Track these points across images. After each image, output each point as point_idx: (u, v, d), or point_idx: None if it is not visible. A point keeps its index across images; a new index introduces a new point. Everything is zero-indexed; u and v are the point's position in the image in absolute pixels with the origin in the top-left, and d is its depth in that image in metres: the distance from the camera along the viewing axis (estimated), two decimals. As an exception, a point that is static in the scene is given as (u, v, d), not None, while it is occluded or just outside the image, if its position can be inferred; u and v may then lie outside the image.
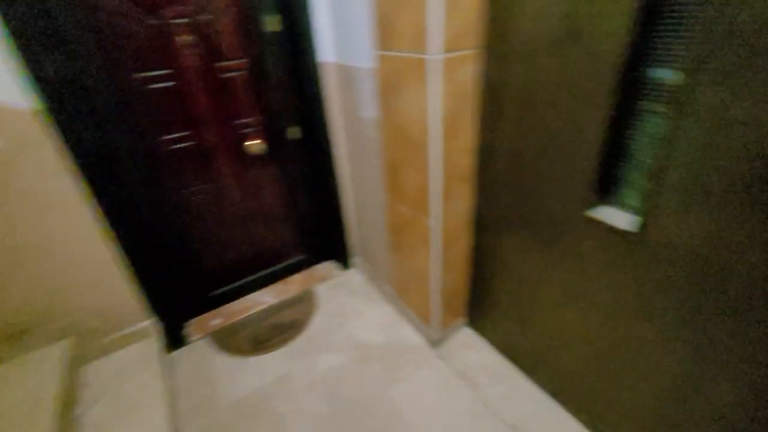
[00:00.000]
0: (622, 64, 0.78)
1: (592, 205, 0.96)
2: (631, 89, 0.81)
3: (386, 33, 1.13)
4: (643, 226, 0.85)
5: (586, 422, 1.22)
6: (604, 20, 0.77)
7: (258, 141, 1.59)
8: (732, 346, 0.78)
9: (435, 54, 0.99)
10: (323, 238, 2.00)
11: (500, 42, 1.01)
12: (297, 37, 1.44)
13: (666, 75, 0.76)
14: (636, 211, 0.89)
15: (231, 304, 1.87)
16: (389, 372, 1.48)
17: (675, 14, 0.71)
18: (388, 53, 1.16)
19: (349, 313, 1.78)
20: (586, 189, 0.94)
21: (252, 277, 1.90)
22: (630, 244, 0.89)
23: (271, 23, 1.42)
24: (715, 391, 0.84)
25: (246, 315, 1.80)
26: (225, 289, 1.84)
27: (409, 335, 1.64)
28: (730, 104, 0.66)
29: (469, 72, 1.08)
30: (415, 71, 1.07)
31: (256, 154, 1.62)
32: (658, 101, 0.79)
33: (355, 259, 2.04)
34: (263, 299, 1.88)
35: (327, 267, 2.08)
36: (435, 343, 1.55)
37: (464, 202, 1.30)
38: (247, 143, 1.59)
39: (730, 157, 0.68)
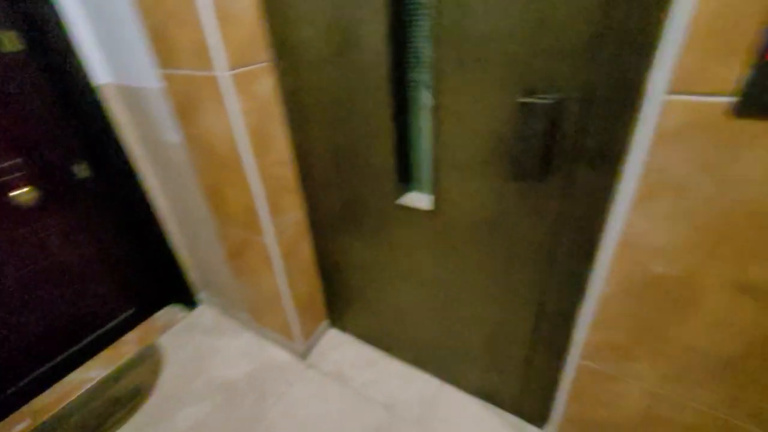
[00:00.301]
0: (389, 69, 0.89)
1: (401, 193, 1.09)
2: (402, 89, 0.95)
3: (165, 50, 1.03)
4: (436, 204, 1.01)
5: (441, 376, 1.40)
6: (367, 31, 0.88)
7: (26, 189, 1.26)
8: (519, 286, 1.01)
9: (224, 70, 0.95)
10: (155, 283, 1.75)
11: (289, 54, 1.04)
12: (52, 56, 1.19)
13: (418, 78, 0.91)
14: (431, 192, 1.06)
15: (43, 395, 1.47)
16: (262, 400, 1.41)
17: (416, 32, 0.86)
18: (173, 72, 1.06)
19: (205, 354, 1.61)
20: (393, 180, 1.06)
21: (66, 354, 1.52)
22: (430, 220, 1.05)
23: (7, 41, 1.13)
24: (512, 321, 1.07)
25: (67, 402, 1.44)
26: (29, 379, 1.43)
27: (276, 356, 1.58)
28: (456, 99, 0.83)
29: (267, 85, 1.08)
30: (208, 89, 1.01)
31: (28, 205, 1.29)
32: (417, 99, 0.94)
33: (202, 295, 1.85)
34: (89, 375, 1.54)
35: (168, 312, 1.83)
36: (303, 354, 1.54)
37: (296, 211, 1.31)
38: (12, 194, 1.25)
39: (469, 140, 0.87)
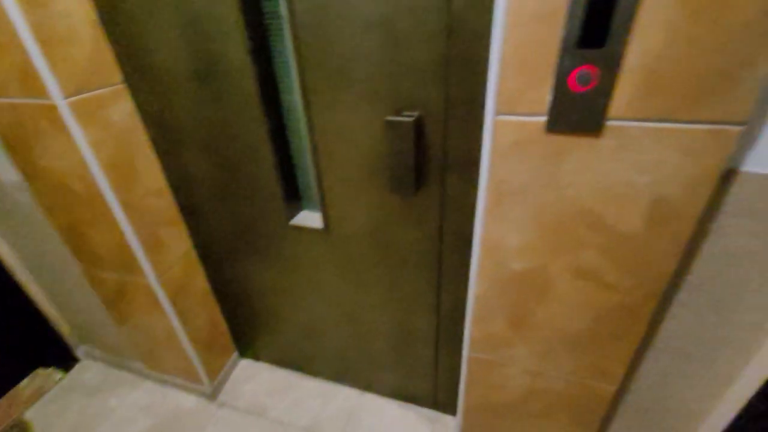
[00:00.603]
0: (257, 89, 0.86)
1: (293, 213, 1.06)
2: (275, 108, 0.92)
3: (-23, 75, 0.85)
4: (326, 221, 1.00)
5: (360, 386, 1.41)
6: (228, 50, 0.83)
7: None
8: (416, 291, 1.05)
9: (61, 97, 0.82)
10: (14, 346, 1.45)
11: (146, 74, 0.93)
12: None
13: (292, 98, 0.90)
14: (320, 210, 1.05)
15: None
16: (166, 458, 1.26)
17: (281, 53, 0.84)
18: (-6, 100, 0.88)
19: (92, 420, 1.39)
20: (281, 201, 1.03)
21: None
22: (323, 238, 1.04)
23: None
24: (416, 324, 1.12)
25: None
26: None
27: (181, 402, 1.43)
28: (330, 117, 0.84)
29: (124, 110, 0.96)
30: (46, 119, 0.87)
31: None
32: (295, 118, 0.93)
33: (81, 350, 1.60)
34: (-75, 480, 1.22)
35: (38, 378, 1.53)
36: (212, 394, 1.42)
37: (181, 243, 1.20)
38: None
39: (348, 157, 0.88)
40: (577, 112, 0.51)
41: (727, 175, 0.53)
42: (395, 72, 0.75)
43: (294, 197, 1.05)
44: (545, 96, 0.52)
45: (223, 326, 1.45)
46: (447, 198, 0.85)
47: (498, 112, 0.56)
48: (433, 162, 0.82)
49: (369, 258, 1.04)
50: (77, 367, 1.59)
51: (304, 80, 0.82)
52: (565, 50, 0.48)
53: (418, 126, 0.78)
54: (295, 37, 0.77)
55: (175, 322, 1.23)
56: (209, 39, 0.83)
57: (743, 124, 0.47)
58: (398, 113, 0.79)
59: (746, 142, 0.50)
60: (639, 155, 0.52)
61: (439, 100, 0.74)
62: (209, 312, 1.36)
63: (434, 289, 1.02)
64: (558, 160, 0.56)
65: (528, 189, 0.60)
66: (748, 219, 0.54)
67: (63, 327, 1.52)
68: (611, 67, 0.48)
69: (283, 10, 0.78)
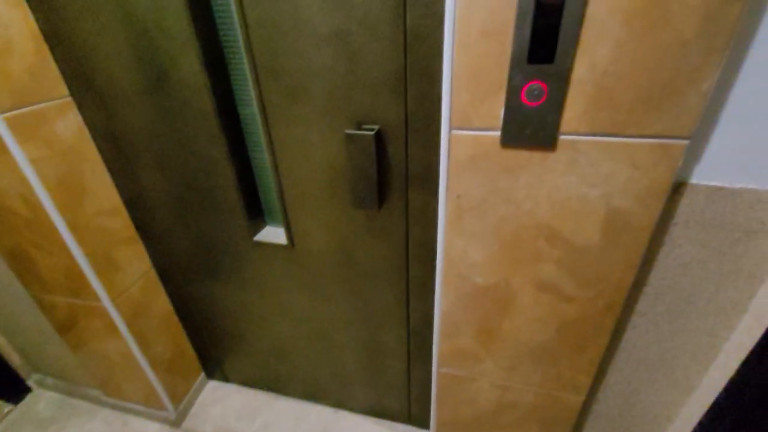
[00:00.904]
0: (213, 104, 0.82)
1: (257, 229, 1.03)
2: (233, 123, 0.88)
3: None
4: (291, 237, 0.97)
5: (333, 404, 1.37)
6: (182, 64, 0.79)
7: None
8: (385, 305, 1.03)
9: (-5, 113, 0.77)
10: (-44, 379, 1.34)
11: (95, 88, 0.88)
12: None
13: (250, 112, 0.87)
14: (284, 226, 1.02)
15: None
16: (125, 492, 1.18)
17: (237, 66, 0.81)
18: None
19: (43, 455, 1.29)
20: (243, 217, 0.99)
21: None
22: (289, 254, 1.01)
23: None
24: (387, 339, 1.10)
25: None
26: None
27: (142, 430, 1.35)
28: (289, 131, 0.82)
29: (70, 126, 0.90)
30: (-22, 136, 0.80)
31: None
32: (255, 133, 0.90)
33: (33, 379, 1.49)
34: None
35: (-16, 412, 1.42)
36: (177, 420, 1.34)
37: (139, 263, 1.14)
38: None
39: (310, 172, 0.86)
40: (530, 127, 0.51)
41: (677, 187, 0.53)
42: (353, 85, 0.73)
43: (257, 213, 1.02)
44: (499, 110, 0.52)
45: (188, 347, 1.38)
46: (411, 211, 0.84)
47: (453, 127, 0.55)
48: (395, 175, 0.81)
49: (335, 273, 1.01)
50: (29, 397, 1.48)
51: (261, 94, 0.79)
52: (516, 66, 0.48)
53: (379, 139, 0.77)
54: (250, 50, 0.74)
55: (134, 346, 1.16)
56: (161, 51, 0.79)
57: (689, 138, 0.47)
58: (358, 127, 0.77)
59: (693, 154, 0.51)
60: (591, 169, 0.52)
61: (399, 113, 0.73)
62: (172, 333, 1.30)
63: (403, 302, 1.00)
64: (514, 174, 0.56)
65: (486, 203, 0.60)
66: (698, 229, 0.55)
67: (12, 355, 1.42)
68: (560, 83, 0.47)
69: (236, 22, 0.76)
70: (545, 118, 0.50)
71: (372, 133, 0.73)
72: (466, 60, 0.49)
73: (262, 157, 0.94)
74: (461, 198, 0.60)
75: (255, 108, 0.86)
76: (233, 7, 0.74)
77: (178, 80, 0.82)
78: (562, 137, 0.51)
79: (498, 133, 0.53)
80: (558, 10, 0.44)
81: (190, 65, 0.79)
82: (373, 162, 0.77)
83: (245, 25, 0.72)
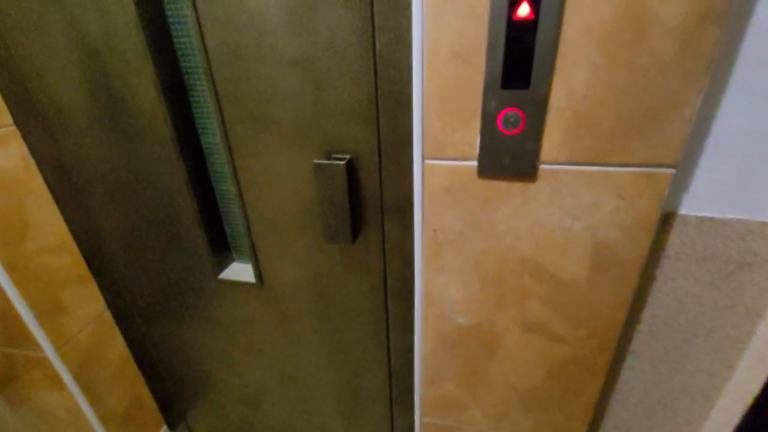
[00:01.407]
0: (172, 132, 0.77)
1: (222, 266, 0.95)
2: (195, 153, 0.82)
3: None
4: (259, 274, 0.90)
5: (310, 455, 1.25)
6: (137, 91, 0.74)
7: None
8: (363, 346, 0.95)
9: None
10: None
11: (42, 116, 0.82)
12: None
13: (213, 141, 0.81)
14: (251, 262, 0.94)
15: None
16: None
17: (198, 92, 0.76)
18: None
19: None
20: (208, 254, 0.91)
21: None
22: (257, 292, 0.93)
23: None
24: (368, 382, 1.01)
25: None
26: None
27: (92, 496, 1.19)
28: (255, 161, 0.76)
29: (13, 155, 0.83)
30: None
31: None
32: (218, 163, 0.84)
33: (-34, 439, 1.31)
34: None
35: None
36: (132, 482, 1.19)
37: (91, 304, 1.03)
38: None
39: (278, 204, 0.80)
40: (508, 156, 0.47)
41: (666, 218, 0.50)
42: (321, 113, 0.69)
43: (222, 249, 0.94)
44: (474, 139, 0.48)
45: (147, 397, 1.25)
46: (388, 244, 0.79)
47: (426, 156, 0.50)
48: (370, 207, 0.76)
49: (309, 312, 0.93)
50: (-41, 462, 1.30)
51: (224, 122, 0.74)
52: (489, 91, 0.44)
53: (351, 169, 0.72)
54: (210, 76, 0.70)
55: (82, 399, 1.03)
56: (114, 75, 0.74)
57: (674, 167, 0.44)
58: (328, 156, 0.72)
59: (681, 184, 0.48)
60: (574, 199, 0.48)
61: (371, 141, 0.69)
62: (129, 382, 1.17)
63: (383, 343, 0.92)
64: (493, 207, 0.51)
65: (465, 237, 0.55)
66: (690, 262, 0.51)
67: (-59, 414, 1.25)
68: (538, 109, 0.44)
69: (195, 44, 0.72)
70: (524, 146, 0.46)
71: (343, 162, 0.69)
72: (437, 84, 0.46)
73: (226, 188, 0.87)
74: (438, 232, 0.55)
75: (218, 137, 0.80)
76: (192, 32, 0.70)
77: (133, 106, 0.76)
78: (542, 167, 0.47)
79: (474, 163, 0.49)
80: (531, 32, 0.41)
81: (146, 91, 0.73)
82: (345, 193, 0.71)
83: (205, 50, 0.67)
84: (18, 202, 0.84)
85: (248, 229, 0.85)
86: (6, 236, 0.82)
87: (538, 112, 0.44)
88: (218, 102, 0.72)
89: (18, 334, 0.92)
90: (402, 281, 0.82)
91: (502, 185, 0.49)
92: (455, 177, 0.51)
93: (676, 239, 0.50)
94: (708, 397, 0.60)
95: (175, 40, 0.72)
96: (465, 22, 0.41)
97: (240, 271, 0.95)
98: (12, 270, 0.84)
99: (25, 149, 0.85)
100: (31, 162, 0.86)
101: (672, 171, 0.44)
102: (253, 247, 0.87)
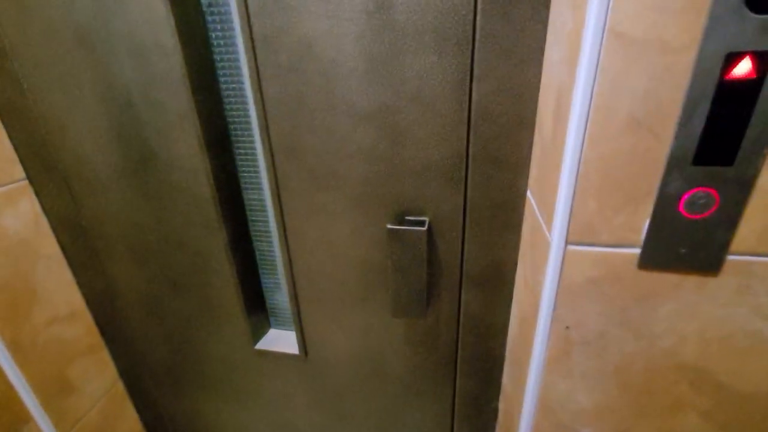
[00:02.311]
0: (213, 189, 0.66)
1: (259, 335, 0.82)
2: (236, 212, 0.71)
3: None
4: (304, 345, 0.77)
5: None
6: (175, 143, 0.63)
7: None
8: (408, 425, 0.82)
9: None
10: None
11: (59, 169, 0.70)
12: None
13: (258, 198, 0.70)
14: (296, 331, 0.82)
15: None
16: None
17: (244, 145, 0.66)
18: None
19: None
20: (245, 319, 0.79)
21: None
22: (300, 365, 0.80)
23: None
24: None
25: None
26: None
27: None
28: (310, 222, 0.65)
29: (23, 215, 0.71)
30: None
31: None
32: (262, 221, 0.73)
33: None
34: None
35: None
36: None
37: (102, 375, 0.89)
38: None
39: (334, 270, 0.68)
40: (687, 245, 0.37)
41: None
42: (397, 171, 0.58)
43: (259, 313, 0.82)
44: (641, 223, 0.37)
45: (160, 476, 1.09)
46: (465, 318, 0.67)
47: (570, 242, 0.40)
48: (445, 276, 0.64)
49: (360, 388, 0.80)
50: None
51: (276, 177, 0.63)
52: (675, 168, 0.34)
53: (430, 235, 0.61)
54: (266, 128, 0.59)
55: (89, 491, 0.88)
56: (148, 128, 0.63)
57: None
58: (400, 219, 0.61)
59: None
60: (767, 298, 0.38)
61: (456, 203, 0.59)
62: (140, 462, 1.02)
63: (447, 428, 0.79)
64: (653, 304, 0.40)
65: (607, 337, 0.43)
66: None
67: None
68: (740, 190, 0.34)
69: (248, 96, 0.62)
70: (711, 234, 0.36)
71: (424, 228, 0.58)
72: (602, 157, 0.35)
73: (269, 249, 0.76)
74: (571, 330, 0.44)
75: (266, 193, 0.69)
76: (247, 82, 0.60)
77: (167, 161, 0.65)
78: (731, 258, 0.37)
79: (636, 251, 0.38)
80: (751, 98, 0.31)
81: (185, 144, 0.63)
82: (424, 263, 0.60)
83: (262, 101, 0.57)
84: (27, 267, 0.72)
85: (295, 295, 0.73)
86: (11, 310, 0.70)
87: (739, 194, 0.34)
88: (272, 156, 0.62)
89: (18, 418, 0.78)
90: (477, 356, 0.70)
91: (671, 279, 0.39)
92: (607, 267, 0.40)
93: None
94: None
95: (223, 86, 0.62)
96: (656, 82, 0.32)
97: (279, 340, 0.82)
98: (16, 349, 0.71)
99: (37, 207, 0.73)
100: (44, 221, 0.75)
101: None
102: (299, 314, 0.75)
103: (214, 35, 0.58)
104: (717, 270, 0.37)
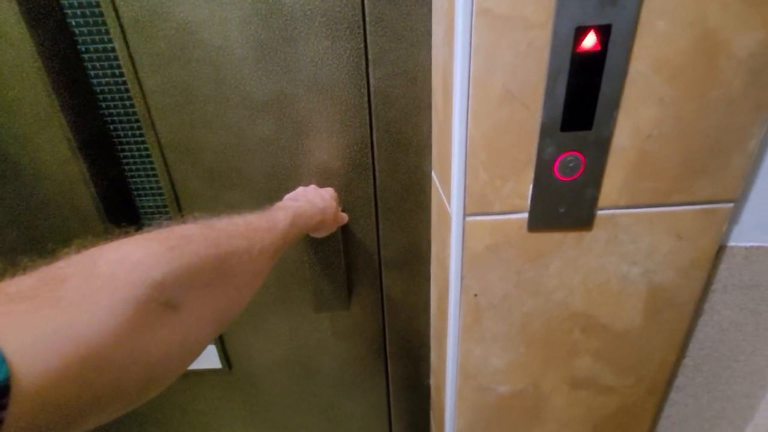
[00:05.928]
0: (97, 200, 0.58)
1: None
2: (130, 221, 0.64)
3: None
4: (227, 357, 0.72)
5: None
6: (43, 152, 0.54)
7: None
8: (350, 423, 0.81)
9: None
10: None
11: None
12: None
13: (156, 204, 0.64)
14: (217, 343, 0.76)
15: None
16: None
17: (132, 146, 0.59)
18: None
19: None
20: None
21: None
22: (225, 381, 0.75)
23: None
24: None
25: None
26: None
27: None
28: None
29: None
30: None
31: None
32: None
33: None
34: None
35: None
36: None
37: None
38: None
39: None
40: (564, 205, 0.41)
41: (716, 252, 0.47)
42: (302, 161, 0.57)
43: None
44: (525, 189, 0.40)
45: None
46: (388, 302, 0.68)
47: (468, 213, 0.42)
48: (364, 264, 0.65)
49: (293, 394, 0.77)
50: None
51: (171, 179, 0.58)
52: (547, 135, 0.37)
53: (343, 224, 0.60)
54: (151, 124, 0.54)
55: None
56: (1, 132, 0.53)
57: (734, 201, 0.41)
58: (315, 211, 0.60)
59: (733, 216, 0.46)
60: (632, 245, 0.43)
61: (366, 189, 0.59)
62: None
63: (384, 414, 0.80)
64: (543, 262, 0.44)
65: (510, 299, 0.47)
66: (736, 293, 0.50)
67: None
68: (600, 151, 0.38)
69: (127, 86, 0.55)
70: (582, 193, 0.40)
71: (336, 218, 0.57)
72: (485, 131, 0.37)
73: (175, 258, 0.69)
74: (479, 297, 0.47)
75: (165, 198, 0.63)
76: (123, 70, 0.53)
77: (34, 173, 0.56)
78: (599, 213, 0.42)
79: (524, 216, 0.42)
80: (598, 68, 0.35)
81: (52, 149, 0.54)
82: (341, 253, 0.59)
83: (142, 94, 0.52)
84: None
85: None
86: None
87: (600, 155, 0.38)
88: (163, 155, 0.56)
89: None
90: (404, 336, 0.71)
91: (555, 237, 0.43)
92: (501, 233, 0.42)
93: (724, 271, 0.48)
94: (744, 417, 0.59)
95: (95, 80, 0.55)
96: (522, 57, 0.34)
97: (201, 356, 0.76)
98: None
99: None
100: None
101: (731, 205, 0.41)
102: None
103: (74, 21, 0.51)
104: (590, 225, 0.42)
